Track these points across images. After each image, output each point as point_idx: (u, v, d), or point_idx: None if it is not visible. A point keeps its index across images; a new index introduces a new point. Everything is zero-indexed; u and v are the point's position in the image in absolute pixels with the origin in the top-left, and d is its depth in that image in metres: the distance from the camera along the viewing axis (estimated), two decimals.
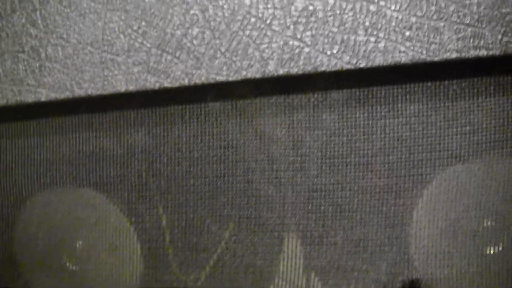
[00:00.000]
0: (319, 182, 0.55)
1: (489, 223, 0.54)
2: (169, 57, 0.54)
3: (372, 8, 0.51)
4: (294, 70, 0.52)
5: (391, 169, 0.54)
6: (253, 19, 0.52)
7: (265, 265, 0.58)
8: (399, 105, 0.54)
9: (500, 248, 0.54)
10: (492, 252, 0.54)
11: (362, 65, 0.51)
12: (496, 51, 0.50)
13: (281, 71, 0.52)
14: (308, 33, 0.52)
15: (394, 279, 0.55)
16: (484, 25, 0.50)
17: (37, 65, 0.56)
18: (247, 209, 0.57)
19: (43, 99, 0.55)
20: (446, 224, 0.54)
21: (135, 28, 0.54)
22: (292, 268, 0.58)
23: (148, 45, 0.54)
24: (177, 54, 0.53)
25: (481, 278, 0.54)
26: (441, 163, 0.53)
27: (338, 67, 0.51)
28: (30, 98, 0.56)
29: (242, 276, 0.59)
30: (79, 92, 0.55)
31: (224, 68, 0.53)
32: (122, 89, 0.54)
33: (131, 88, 0.54)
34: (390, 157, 0.54)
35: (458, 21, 0.50)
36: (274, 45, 0.52)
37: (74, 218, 0.62)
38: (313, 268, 0.57)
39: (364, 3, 0.51)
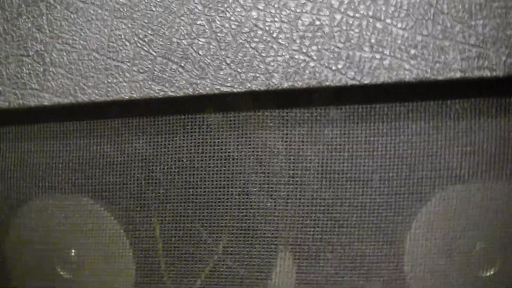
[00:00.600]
0: (318, 197, 0.56)
1: (484, 245, 0.55)
2: (174, 66, 0.54)
3: (379, 25, 0.52)
4: (299, 84, 0.52)
5: (390, 186, 0.55)
6: (259, 32, 0.53)
7: (258, 279, 0.59)
8: (401, 123, 0.54)
9: (494, 271, 0.55)
10: (486, 274, 0.55)
11: (366, 81, 0.52)
12: (500, 72, 0.51)
13: (285, 85, 0.53)
14: (314, 47, 0.52)
15: None
16: (488, 46, 0.51)
17: (41, 69, 0.56)
18: (244, 222, 0.58)
19: (46, 103, 0.56)
20: (443, 244, 0.55)
21: (141, 36, 0.54)
22: (286, 283, 0.58)
23: (154, 53, 0.54)
24: (182, 64, 0.54)
25: (473, 282, 0.55)
26: (440, 182, 0.54)
27: (343, 82, 0.52)
28: (32, 102, 0.56)
29: None
30: (82, 98, 0.55)
31: (229, 79, 0.53)
32: (126, 96, 0.55)
33: (135, 95, 0.54)
34: (390, 175, 0.54)
35: (463, 41, 0.51)
36: (279, 58, 0.53)
37: (69, 225, 0.62)
38: (308, 283, 0.57)
39: (371, 20, 0.52)
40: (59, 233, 0.62)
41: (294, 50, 0.53)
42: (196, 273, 0.60)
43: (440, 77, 0.51)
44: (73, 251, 0.63)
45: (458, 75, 0.51)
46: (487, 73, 0.51)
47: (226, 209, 0.58)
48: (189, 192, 0.58)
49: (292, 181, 0.56)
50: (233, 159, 0.57)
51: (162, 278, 0.61)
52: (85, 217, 0.62)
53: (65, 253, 0.63)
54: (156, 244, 0.60)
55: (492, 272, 0.55)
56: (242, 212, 0.58)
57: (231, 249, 0.58)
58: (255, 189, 0.57)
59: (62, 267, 0.63)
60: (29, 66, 0.56)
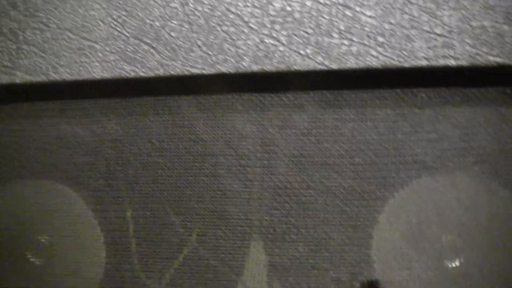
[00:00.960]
0: (286, 180, 0.57)
1: (450, 236, 0.56)
2: (146, 47, 0.55)
3: (348, 13, 0.53)
4: (268, 68, 0.54)
5: (356, 171, 0.56)
6: (231, 16, 0.54)
7: (230, 260, 0.60)
8: (368, 109, 0.56)
9: (460, 260, 0.56)
10: (451, 265, 0.56)
11: (334, 67, 0.53)
12: (464, 62, 0.52)
13: (255, 68, 0.54)
14: (284, 32, 0.54)
15: (354, 279, 0.57)
16: (454, 37, 0.52)
17: (15, 47, 0.57)
18: (213, 203, 0.59)
19: (17, 81, 0.56)
20: (408, 229, 0.56)
21: (115, 17, 0.55)
22: (255, 267, 0.59)
23: (127, 34, 0.55)
24: (154, 45, 0.55)
25: (439, 283, 0.56)
26: (405, 168, 0.55)
27: (311, 67, 0.53)
28: (4, 80, 0.57)
29: (207, 275, 0.60)
30: (54, 77, 0.56)
31: (200, 61, 0.54)
32: (98, 76, 0.55)
33: (107, 75, 0.55)
34: (356, 160, 0.56)
35: (430, 30, 0.52)
36: (250, 42, 0.54)
37: (39, 210, 0.63)
38: (275, 265, 0.58)
39: (340, 7, 0.53)
40: (28, 218, 0.63)
41: (265, 34, 0.54)
42: (168, 260, 0.61)
43: (406, 65, 0.53)
44: (44, 236, 0.63)
45: (424, 63, 0.53)
46: (451, 62, 0.53)
47: (195, 191, 0.59)
48: (158, 173, 0.59)
49: (261, 164, 0.57)
50: (203, 141, 0.58)
51: (133, 263, 0.62)
52: (55, 201, 0.62)
53: (35, 239, 0.63)
54: (127, 228, 0.61)
55: (457, 264, 0.56)
56: (211, 195, 0.59)
57: (204, 237, 0.59)
58: (224, 172, 0.58)
59: (32, 253, 0.64)
60: (2, 44, 0.57)
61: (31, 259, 0.63)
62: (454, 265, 0.56)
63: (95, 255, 0.62)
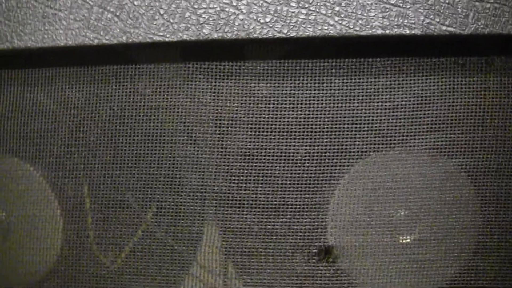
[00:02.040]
0: (243, 147, 0.59)
1: (405, 212, 0.58)
2: (109, 15, 0.57)
3: None
4: (228, 35, 0.56)
5: (313, 138, 0.58)
6: None
7: (185, 238, 0.61)
8: (325, 77, 0.58)
9: (413, 238, 0.59)
10: (404, 240, 0.59)
11: (292, 35, 0.55)
12: (418, 31, 0.55)
13: (215, 35, 0.56)
14: (244, 1, 0.56)
15: (311, 244, 0.59)
16: (408, 6, 0.55)
17: None
18: (172, 169, 0.61)
19: None
20: (364, 196, 0.58)
21: None
22: (212, 234, 0.61)
23: (91, 2, 0.57)
24: (118, 13, 0.57)
25: (393, 248, 0.58)
26: (362, 135, 0.58)
27: (270, 35, 0.56)
28: None
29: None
30: (19, 44, 0.58)
31: (162, 29, 0.57)
32: (62, 43, 0.57)
33: (71, 42, 0.57)
34: (313, 127, 0.58)
35: (385, 0, 0.55)
36: (210, 10, 0.56)
37: None
38: (231, 231, 0.60)
39: None
40: None
41: (225, 3, 0.56)
42: (124, 239, 0.62)
43: (362, 33, 0.55)
44: (1, 213, 0.64)
45: (379, 32, 0.55)
46: (406, 31, 0.55)
47: (154, 160, 0.61)
48: (119, 140, 0.61)
49: (220, 131, 0.59)
50: (163, 109, 0.60)
51: (89, 242, 0.63)
52: (12, 176, 0.64)
53: None
54: (84, 204, 0.63)
55: (410, 239, 0.59)
56: (170, 160, 0.61)
57: (160, 214, 0.61)
58: (183, 139, 0.60)
59: None
60: None
61: None
62: (406, 241, 0.59)
63: (51, 231, 0.64)
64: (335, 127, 0.58)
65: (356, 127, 0.58)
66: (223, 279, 0.62)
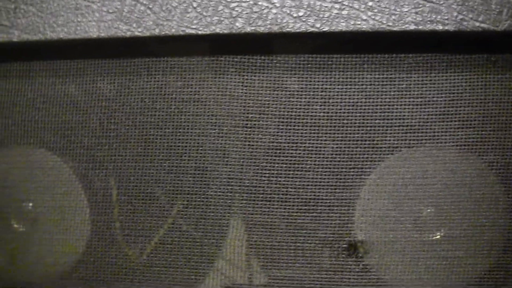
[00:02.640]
0: (273, 141, 0.60)
1: (432, 209, 0.59)
2: (142, 8, 0.58)
3: None
4: (261, 29, 0.56)
5: (344, 133, 0.59)
6: None
7: (211, 232, 0.62)
8: (357, 72, 0.58)
9: (440, 236, 0.59)
10: (431, 237, 0.59)
11: (325, 29, 0.56)
12: (451, 27, 0.55)
13: (248, 29, 0.56)
14: None
15: (340, 239, 0.59)
16: (441, 2, 0.55)
17: (12, 6, 0.59)
18: (201, 163, 0.61)
19: (15, 39, 0.59)
20: (394, 192, 0.59)
21: None
22: (238, 228, 0.61)
23: None
24: (151, 6, 0.57)
25: (422, 245, 0.59)
26: (392, 131, 0.58)
27: (303, 29, 0.56)
28: (1, 38, 0.59)
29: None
30: (51, 35, 0.58)
31: (195, 21, 0.57)
32: (94, 35, 0.58)
33: (103, 34, 0.58)
34: (345, 121, 0.58)
35: None
36: (244, 4, 0.57)
37: (23, 175, 0.64)
38: (258, 225, 0.60)
39: None
40: (13, 185, 0.65)
41: None
42: (151, 232, 0.63)
43: (395, 28, 0.56)
44: (28, 203, 0.65)
45: (412, 27, 0.55)
46: (439, 27, 0.55)
47: (183, 151, 0.61)
48: (149, 132, 0.61)
49: (251, 125, 0.60)
50: (195, 102, 0.61)
51: (115, 234, 0.63)
52: (40, 167, 0.64)
53: (19, 205, 0.65)
54: (111, 196, 0.63)
55: (439, 236, 0.59)
56: (201, 153, 0.61)
57: (187, 208, 0.62)
58: (212, 132, 0.61)
59: (16, 219, 0.65)
60: (0, 3, 0.59)
61: (15, 226, 0.65)
62: (434, 238, 0.59)
63: (78, 222, 0.64)
64: (366, 123, 0.58)
65: (387, 123, 0.58)
66: (248, 274, 0.63)
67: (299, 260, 0.61)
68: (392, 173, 0.59)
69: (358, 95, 0.59)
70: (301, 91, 0.59)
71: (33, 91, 0.63)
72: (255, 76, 0.60)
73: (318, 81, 0.59)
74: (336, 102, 0.59)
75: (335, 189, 0.59)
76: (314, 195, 0.59)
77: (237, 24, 0.57)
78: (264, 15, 0.56)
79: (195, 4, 0.57)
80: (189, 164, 0.61)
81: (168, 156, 0.62)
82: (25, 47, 0.60)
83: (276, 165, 0.60)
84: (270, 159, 0.60)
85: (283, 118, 0.60)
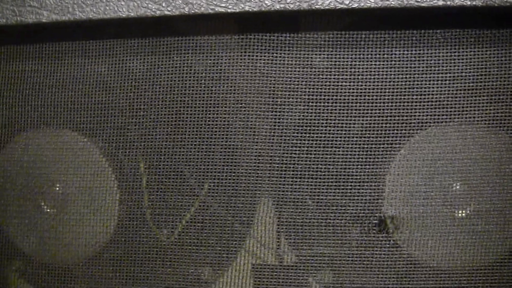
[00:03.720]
0: (304, 118, 0.60)
1: (462, 184, 0.59)
2: None
3: None
4: (290, 6, 0.57)
5: (375, 109, 0.59)
6: None
7: (240, 211, 0.63)
8: (385, 49, 0.59)
9: (468, 212, 0.60)
10: (460, 214, 0.60)
11: (354, 6, 0.56)
12: (478, 2, 0.56)
13: (277, 6, 0.57)
14: None
15: (372, 215, 0.60)
16: None
17: None
18: (232, 141, 0.62)
19: (44, 20, 0.59)
20: (423, 167, 0.60)
21: None
22: (267, 208, 0.62)
23: None
24: None
25: (451, 220, 0.59)
26: (422, 107, 0.59)
27: (332, 6, 0.57)
28: (30, 19, 0.60)
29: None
30: (80, 15, 0.59)
31: (224, 0, 0.58)
32: (124, 14, 0.58)
33: (133, 14, 0.58)
34: (374, 98, 0.59)
35: None
36: None
37: (53, 158, 0.65)
38: (287, 204, 0.61)
39: None
40: (43, 167, 0.66)
41: None
42: (179, 212, 0.64)
43: (423, 4, 0.56)
44: (57, 185, 0.66)
45: (440, 3, 0.56)
46: (467, 2, 0.56)
47: (214, 129, 0.62)
48: (179, 112, 0.62)
49: (281, 102, 0.61)
50: (225, 80, 0.61)
51: (145, 215, 0.64)
52: (71, 150, 0.65)
53: (49, 188, 0.66)
54: (140, 180, 0.64)
55: (469, 211, 0.60)
56: (230, 132, 0.62)
57: (215, 188, 0.63)
58: (243, 110, 0.61)
59: (46, 202, 0.66)
60: None
61: (45, 208, 0.66)
62: (463, 215, 0.60)
63: (108, 206, 0.65)
64: (395, 99, 0.59)
65: (416, 98, 0.59)
66: (277, 253, 0.64)
67: (330, 237, 0.61)
68: (422, 148, 0.60)
69: (387, 71, 0.59)
70: (330, 68, 0.60)
71: (63, 72, 0.64)
72: (284, 53, 0.60)
73: (347, 58, 0.60)
74: (365, 78, 0.60)
75: (365, 165, 0.60)
76: (344, 172, 0.60)
77: (266, 1, 0.57)
78: None
79: None
80: (218, 143, 0.62)
81: (198, 135, 0.62)
82: (55, 27, 0.61)
83: (305, 142, 0.61)
84: (299, 137, 0.61)
85: (312, 95, 0.60)
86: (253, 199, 0.63)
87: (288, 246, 0.63)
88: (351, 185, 0.60)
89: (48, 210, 0.66)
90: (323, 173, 0.61)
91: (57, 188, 0.66)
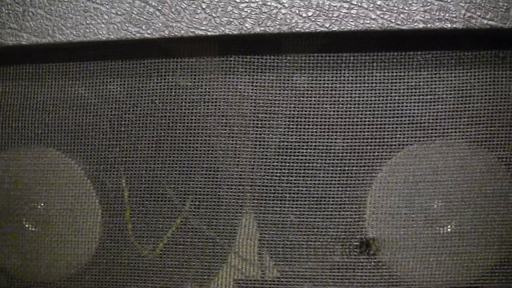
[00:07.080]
0: (285, 140, 0.62)
1: (442, 203, 0.61)
2: (151, 9, 0.59)
3: None
4: (271, 29, 0.58)
5: (354, 131, 0.61)
6: None
7: (222, 228, 0.64)
8: (366, 71, 0.60)
9: (451, 228, 0.61)
10: (442, 231, 0.61)
11: (335, 29, 0.58)
12: (459, 25, 0.57)
13: (258, 29, 0.58)
14: None
15: (352, 237, 0.61)
16: (449, 0, 0.57)
17: (21, 9, 0.61)
18: (211, 162, 0.63)
19: (24, 42, 0.60)
20: (404, 189, 0.61)
21: None
22: (250, 225, 0.63)
23: None
24: (160, 7, 0.59)
25: (433, 241, 0.61)
26: (402, 129, 0.60)
27: (312, 29, 0.58)
28: (10, 42, 0.61)
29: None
30: (60, 38, 0.60)
31: (204, 23, 0.59)
32: (104, 37, 0.60)
33: (112, 36, 0.59)
34: (354, 120, 0.60)
35: None
36: (253, 5, 0.58)
37: (35, 176, 0.66)
38: (270, 223, 0.63)
39: None
40: (25, 185, 0.67)
41: None
42: (162, 228, 0.65)
43: (403, 27, 0.57)
44: (40, 203, 0.67)
45: (421, 25, 0.57)
46: (447, 25, 0.57)
47: (194, 151, 0.63)
48: (160, 133, 0.63)
49: (261, 124, 0.62)
50: (205, 102, 0.63)
51: (127, 232, 0.65)
52: (52, 168, 0.66)
53: (31, 205, 0.67)
54: (122, 196, 0.65)
55: (450, 231, 0.61)
56: (211, 153, 0.63)
57: (198, 205, 0.64)
58: (223, 131, 0.63)
59: (28, 219, 0.67)
60: (8, 6, 0.61)
61: (27, 226, 0.67)
62: (445, 231, 0.61)
63: (90, 223, 0.66)
64: (376, 120, 0.61)
65: (396, 120, 0.60)
66: (260, 269, 0.65)
67: (311, 258, 0.63)
68: (402, 169, 0.61)
69: (367, 93, 0.61)
70: (311, 90, 0.61)
71: (43, 93, 0.65)
72: (264, 75, 0.62)
73: (328, 80, 0.61)
74: (346, 100, 0.61)
75: (346, 187, 0.61)
76: (325, 193, 0.62)
77: (246, 24, 0.59)
78: (273, 16, 0.58)
79: (204, 5, 0.59)
80: (200, 164, 0.63)
81: (179, 156, 0.64)
82: (34, 50, 0.62)
83: (287, 163, 0.62)
84: (281, 158, 0.62)
85: (293, 117, 0.62)
86: (235, 215, 0.64)
87: (270, 261, 0.65)
88: (331, 207, 0.62)
89: (30, 228, 0.67)
90: (304, 195, 0.62)
91: (40, 208, 0.67)
